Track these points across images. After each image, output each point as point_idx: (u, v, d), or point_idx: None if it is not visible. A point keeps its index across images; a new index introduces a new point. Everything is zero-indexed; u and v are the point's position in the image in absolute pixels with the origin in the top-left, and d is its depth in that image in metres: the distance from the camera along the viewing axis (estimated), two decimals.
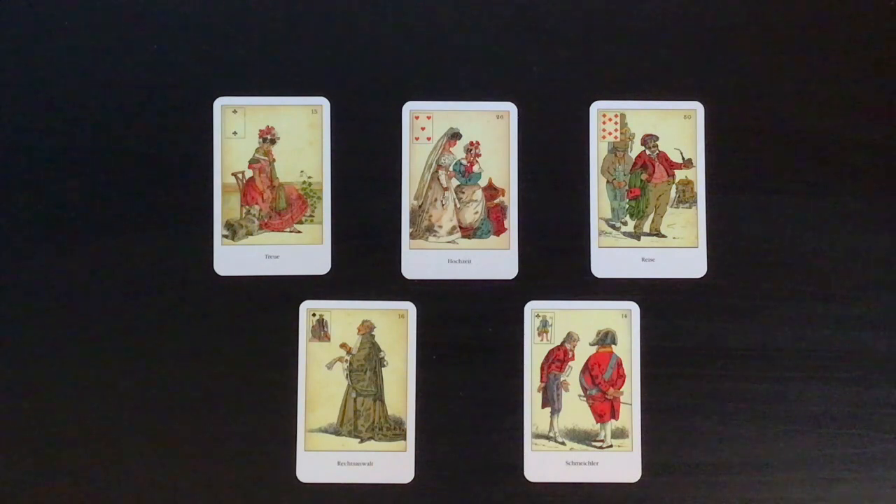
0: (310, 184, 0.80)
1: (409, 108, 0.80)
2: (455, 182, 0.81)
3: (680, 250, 0.80)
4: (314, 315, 0.79)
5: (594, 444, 0.78)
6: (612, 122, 0.80)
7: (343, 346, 0.79)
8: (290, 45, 0.80)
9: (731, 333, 0.79)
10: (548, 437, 0.78)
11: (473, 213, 0.80)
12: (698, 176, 0.80)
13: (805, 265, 0.79)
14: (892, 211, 0.80)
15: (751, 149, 0.80)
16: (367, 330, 0.79)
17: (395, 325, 0.79)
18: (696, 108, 0.80)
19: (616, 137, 0.80)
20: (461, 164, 0.81)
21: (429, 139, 0.80)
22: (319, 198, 0.80)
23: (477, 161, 0.80)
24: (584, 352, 0.79)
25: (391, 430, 0.78)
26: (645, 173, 0.81)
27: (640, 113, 0.80)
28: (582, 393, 0.79)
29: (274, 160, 0.80)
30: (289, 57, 0.80)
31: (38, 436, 0.78)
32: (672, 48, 0.81)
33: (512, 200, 0.80)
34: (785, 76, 0.80)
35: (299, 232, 0.80)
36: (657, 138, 0.81)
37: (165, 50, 0.80)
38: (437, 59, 0.80)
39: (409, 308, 0.79)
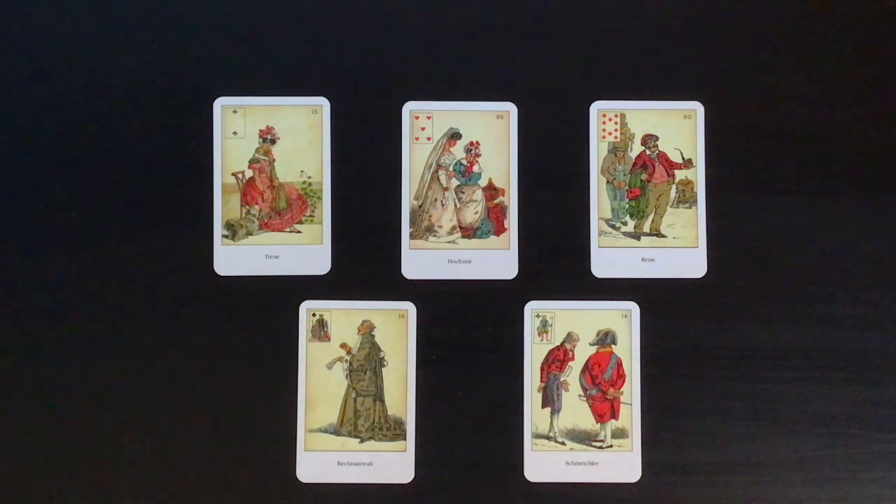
0: (310, 184, 0.80)
1: (409, 108, 0.80)
2: (455, 182, 0.81)
3: (680, 250, 0.80)
4: (314, 315, 0.79)
5: (594, 444, 0.78)
6: (612, 122, 0.80)
7: (343, 346, 0.79)
8: (290, 45, 0.80)
9: (731, 333, 0.79)
10: (548, 437, 0.78)
11: (473, 213, 0.80)
12: (698, 176, 0.80)
13: (805, 265, 0.79)
14: (891, 211, 0.80)
15: (751, 149, 0.80)
16: (367, 330, 0.79)
17: (395, 325, 0.79)
18: (696, 108, 0.80)
19: (616, 137, 0.80)
20: (461, 164, 0.81)
21: (429, 139, 0.80)
22: (319, 198, 0.80)
23: (477, 161, 0.80)
24: (584, 352, 0.79)
25: (391, 430, 0.78)
26: (645, 173, 0.81)
27: (640, 113, 0.80)
28: (582, 393, 0.79)
29: (274, 160, 0.80)
30: (289, 57, 0.80)
31: (38, 436, 0.78)
32: (672, 48, 0.81)
33: (512, 200, 0.80)
34: (785, 76, 0.80)
35: (299, 232, 0.80)
36: (657, 138, 0.81)
37: (165, 50, 0.80)
38: (437, 59, 0.80)
39: (409, 308, 0.79)
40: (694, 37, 0.81)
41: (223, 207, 0.80)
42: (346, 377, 0.79)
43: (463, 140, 0.80)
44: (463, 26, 0.81)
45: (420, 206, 0.80)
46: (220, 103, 0.80)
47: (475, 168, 0.80)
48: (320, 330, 0.79)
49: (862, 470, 0.78)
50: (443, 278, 0.79)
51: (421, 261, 0.79)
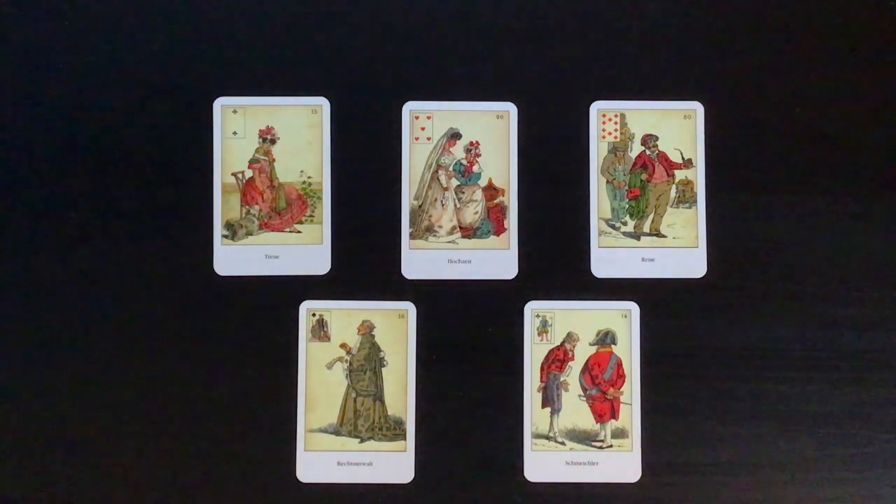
0: (310, 184, 0.80)
1: (409, 108, 0.80)
2: (455, 182, 0.81)
3: (680, 250, 0.80)
4: (314, 315, 0.79)
5: (594, 444, 0.78)
6: (612, 122, 0.80)
7: (343, 346, 0.79)
8: (290, 45, 0.80)
9: (731, 333, 0.79)
10: (548, 437, 0.78)
11: (473, 213, 0.80)
12: (698, 176, 0.80)
13: (805, 265, 0.79)
14: (891, 211, 0.80)
15: (751, 149, 0.80)
16: (367, 330, 0.79)
17: (395, 325, 0.79)
18: (696, 108, 0.80)
19: (616, 137, 0.80)
20: (461, 164, 0.81)
21: (429, 139, 0.80)
22: (319, 198, 0.80)
23: (477, 161, 0.80)
24: (584, 352, 0.79)
25: (391, 430, 0.78)
26: (645, 173, 0.81)
27: (640, 113, 0.80)
28: (582, 393, 0.79)
29: (274, 160, 0.80)
30: (289, 57, 0.80)
31: (39, 436, 0.78)
32: (672, 48, 0.81)
33: (512, 200, 0.80)
34: (785, 76, 0.80)
35: (299, 232, 0.80)
36: (657, 138, 0.81)
37: (165, 50, 0.80)
38: (437, 59, 0.80)
39: (409, 308, 0.79)
40: (694, 37, 0.81)
41: (223, 207, 0.80)
42: (346, 377, 0.79)
43: (463, 140, 0.80)
44: (462, 26, 0.81)
45: (420, 206, 0.80)
46: (220, 103, 0.80)
47: (475, 168, 0.80)
48: (320, 330, 0.79)
49: (862, 470, 0.78)
50: (443, 278, 0.79)
51: (421, 261, 0.79)
